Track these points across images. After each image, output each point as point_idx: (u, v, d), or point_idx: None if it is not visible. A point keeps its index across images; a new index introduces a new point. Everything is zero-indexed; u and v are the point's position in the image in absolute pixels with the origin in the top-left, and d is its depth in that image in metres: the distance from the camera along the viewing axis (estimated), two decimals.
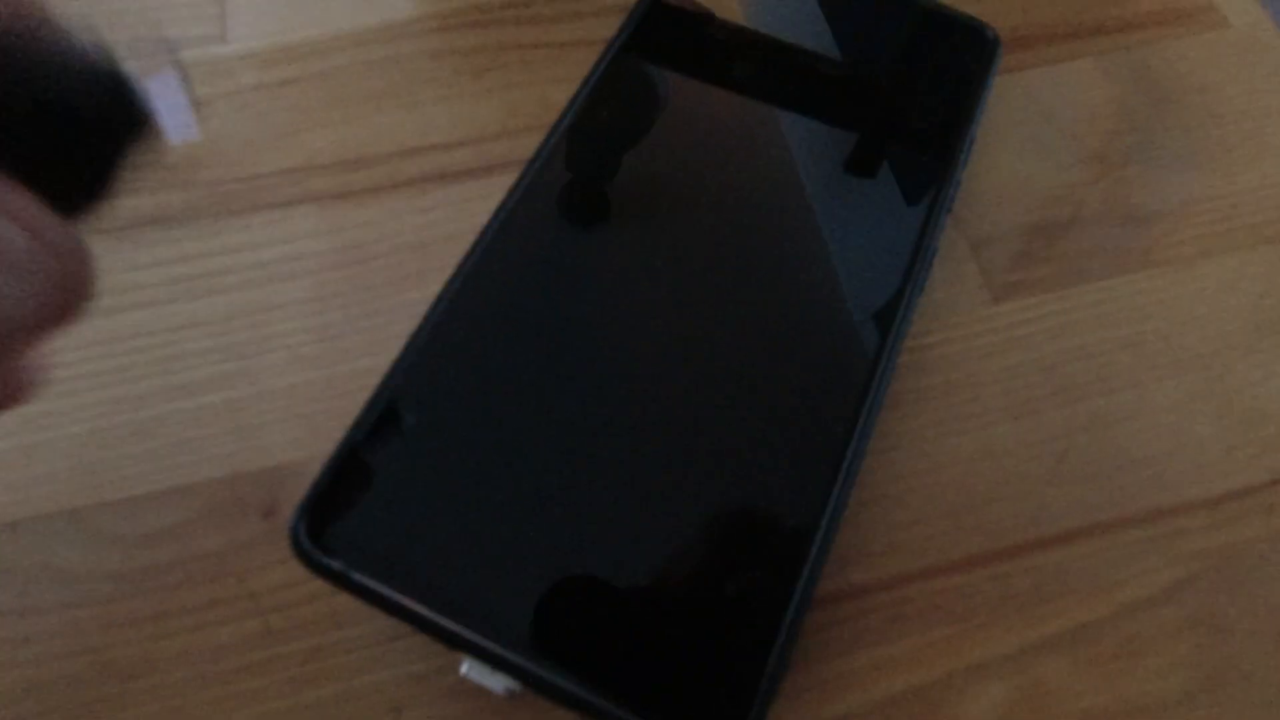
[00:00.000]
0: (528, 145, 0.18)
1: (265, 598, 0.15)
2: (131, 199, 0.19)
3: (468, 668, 0.12)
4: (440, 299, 0.15)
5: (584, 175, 0.17)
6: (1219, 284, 0.18)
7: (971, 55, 0.19)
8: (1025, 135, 0.20)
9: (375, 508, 0.13)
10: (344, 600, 0.15)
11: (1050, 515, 0.16)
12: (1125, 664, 0.15)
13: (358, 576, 0.13)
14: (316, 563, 0.13)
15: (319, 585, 0.15)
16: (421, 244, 0.19)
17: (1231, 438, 0.17)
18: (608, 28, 0.20)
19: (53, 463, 0.16)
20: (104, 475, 0.16)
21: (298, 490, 0.16)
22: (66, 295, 0.09)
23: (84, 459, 0.16)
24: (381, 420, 0.14)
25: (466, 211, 0.19)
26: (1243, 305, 0.18)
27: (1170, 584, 0.15)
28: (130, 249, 0.18)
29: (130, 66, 0.10)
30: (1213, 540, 0.16)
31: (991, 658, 0.15)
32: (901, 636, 0.15)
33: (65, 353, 0.17)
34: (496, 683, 0.12)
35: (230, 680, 0.14)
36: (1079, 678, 0.15)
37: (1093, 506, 0.16)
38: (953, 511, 0.16)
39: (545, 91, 0.20)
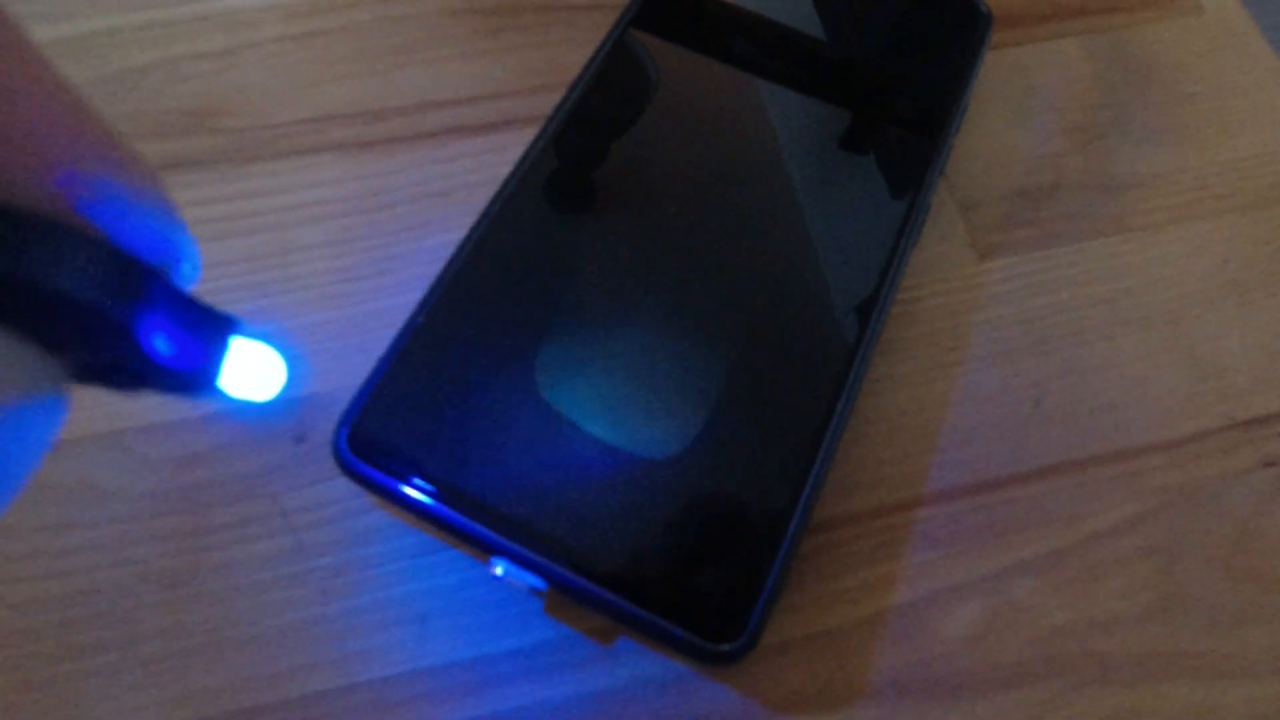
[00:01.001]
0: (542, 103, 0.19)
1: (297, 516, 0.16)
2: (157, 143, 0.20)
3: (503, 570, 0.13)
4: (467, 241, 0.16)
5: (596, 136, 0.18)
6: (1186, 248, 0.20)
7: (967, 29, 0.21)
8: (1012, 108, 0.21)
9: (412, 424, 0.14)
10: (372, 518, 0.16)
11: (1026, 453, 0.17)
12: (1089, 586, 0.16)
13: (398, 486, 0.14)
14: (356, 473, 0.14)
15: (349, 505, 0.16)
16: (440, 193, 0.19)
17: (1192, 386, 0.18)
18: None
19: (86, 389, 0.17)
20: (139, 402, 0.17)
21: (326, 419, 0.17)
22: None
23: None
24: (417, 341, 0.15)
25: (483, 163, 0.20)
26: (1207, 268, 0.20)
27: (1132, 516, 0.17)
28: None
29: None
30: (1172, 478, 0.17)
31: (970, 579, 0.16)
32: (889, 559, 0.16)
33: None
34: (526, 582, 0.13)
35: (266, 590, 0.15)
36: (1048, 598, 0.16)
37: (1065, 446, 0.17)
38: (937, 448, 0.17)
39: (559, 53, 0.21)
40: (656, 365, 0.16)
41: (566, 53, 0.21)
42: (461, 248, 0.16)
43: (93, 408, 0.17)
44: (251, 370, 0.10)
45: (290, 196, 0.19)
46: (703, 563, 0.14)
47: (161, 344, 0.08)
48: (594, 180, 0.18)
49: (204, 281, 0.19)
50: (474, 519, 0.13)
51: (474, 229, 0.16)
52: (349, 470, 0.14)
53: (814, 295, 0.17)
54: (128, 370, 0.09)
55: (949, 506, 0.17)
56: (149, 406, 0.17)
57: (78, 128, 0.08)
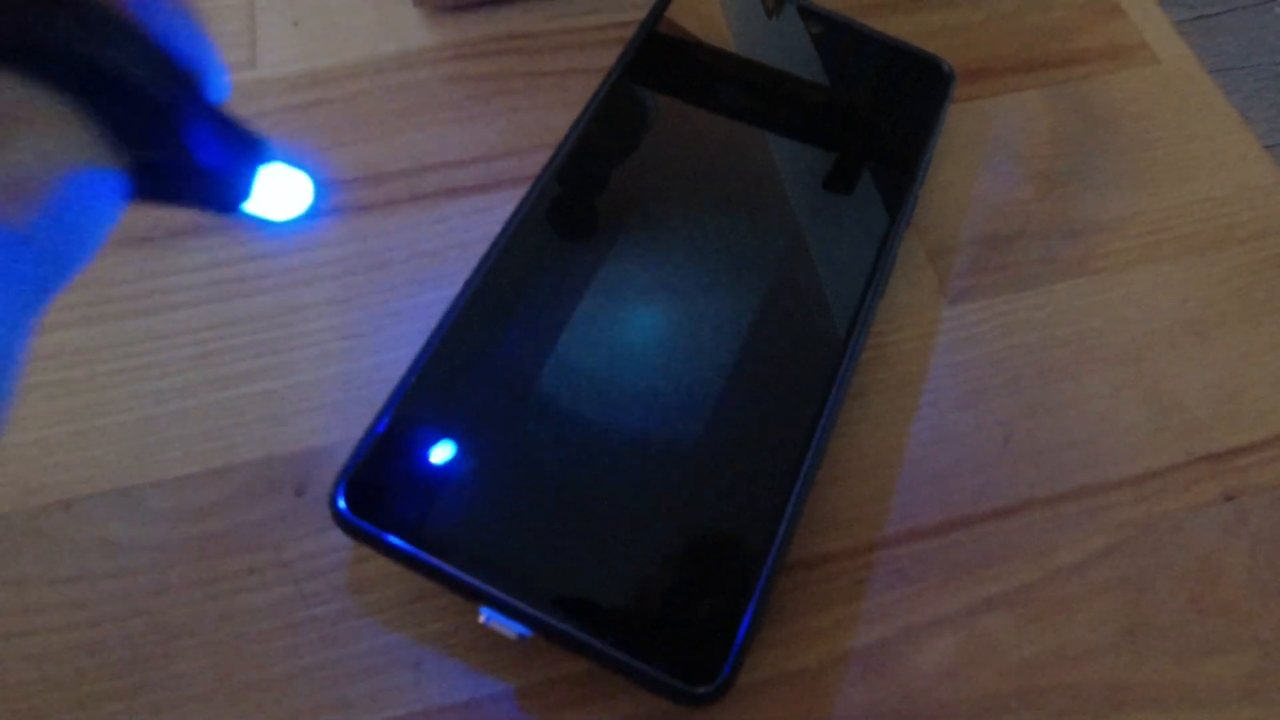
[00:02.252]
0: (533, 163, 0.20)
1: (298, 566, 0.17)
2: (170, 211, 0.21)
3: (487, 617, 0.14)
4: (460, 297, 0.17)
5: (583, 191, 0.19)
6: (1147, 289, 0.21)
7: (929, 86, 0.22)
8: (978, 157, 0.23)
9: (405, 480, 0.15)
10: (370, 568, 0.17)
11: (996, 490, 0.18)
12: (1059, 619, 0.17)
13: (390, 538, 0.14)
14: (353, 527, 0.14)
15: (347, 554, 0.17)
16: (436, 251, 0.21)
17: (1155, 423, 0.19)
18: (606, 57, 0.22)
19: (104, 447, 0.18)
20: (150, 458, 0.18)
21: (326, 471, 0.18)
22: None
23: (132, 444, 0.18)
24: (410, 400, 0.16)
25: (476, 222, 0.21)
26: (1167, 308, 0.20)
27: (1099, 550, 0.18)
28: (172, 256, 0.20)
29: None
30: (1137, 512, 0.18)
31: (943, 614, 0.17)
32: (863, 597, 0.17)
33: (114, 349, 0.19)
34: (511, 630, 0.14)
35: (268, 638, 0.16)
36: (1019, 631, 0.17)
37: (1033, 482, 0.18)
38: (910, 487, 0.18)
39: (549, 115, 0.22)
40: (635, 416, 0.17)
41: (555, 115, 0.23)
42: (452, 307, 0.17)
43: (107, 465, 0.18)
44: (278, 191, 0.11)
45: (293, 258, 0.20)
46: (680, 606, 0.15)
47: (204, 141, 0.09)
48: (582, 233, 0.19)
49: (210, 341, 0.20)
50: (459, 569, 0.14)
51: (464, 289, 0.18)
52: (345, 526, 0.14)
53: (785, 342, 0.18)
54: (169, 172, 0.09)
55: (921, 544, 0.17)
56: (158, 463, 0.18)
57: None
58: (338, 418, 0.18)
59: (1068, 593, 0.17)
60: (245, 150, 0.10)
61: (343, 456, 0.16)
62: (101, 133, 0.09)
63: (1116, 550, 0.17)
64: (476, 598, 0.14)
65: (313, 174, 0.11)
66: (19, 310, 0.08)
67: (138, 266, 0.20)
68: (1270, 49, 0.97)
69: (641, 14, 0.22)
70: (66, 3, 0.08)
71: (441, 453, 0.16)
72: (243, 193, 0.10)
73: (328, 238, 0.20)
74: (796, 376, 0.17)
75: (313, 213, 0.11)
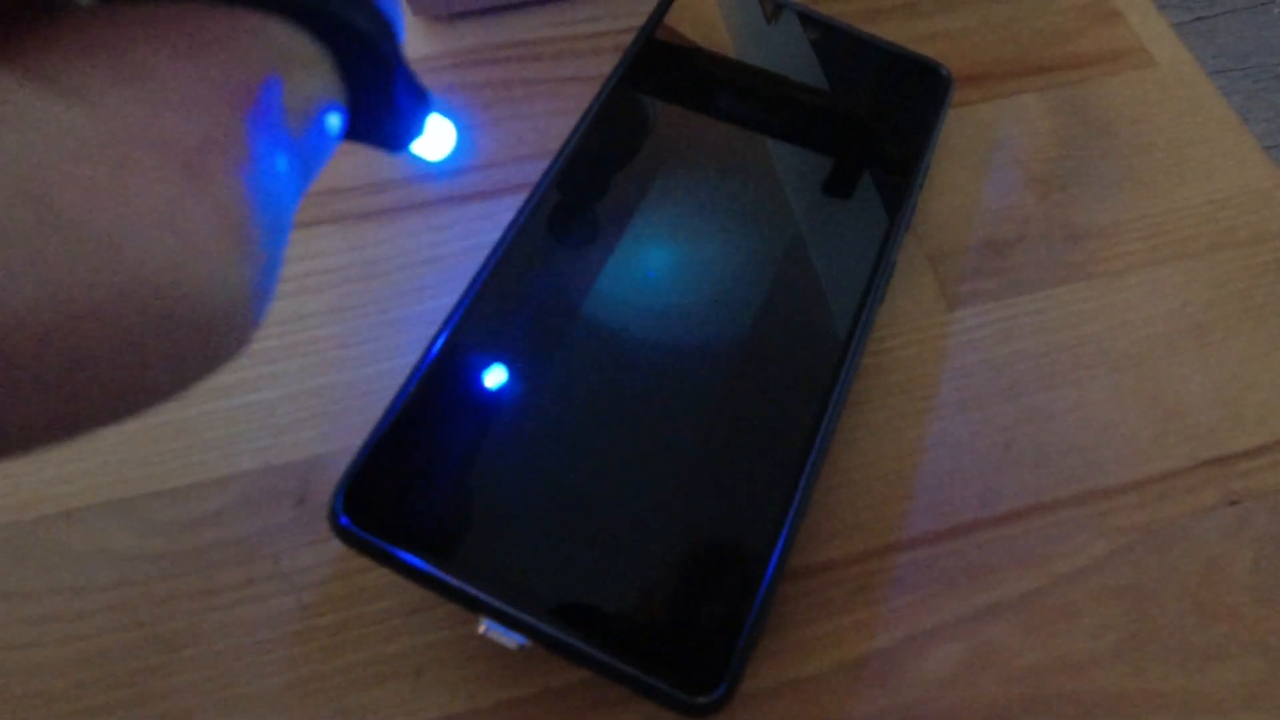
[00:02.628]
0: (532, 171, 0.20)
1: (297, 576, 0.17)
2: None
3: (486, 627, 0.14)
4: (459, 305, 0.17)
5: (582, 197, 0.19)
6: (1147, 293, 0.21)
7: (928, 91, 0.22)
8: (978, 162, 0.23)
9: (403, 489, 0.15)
10: (370, 578, 0.17)
11: (997, 496, 0.18)
12: (1062, 626, 0.17)
13: (389, 548, 0.14)
14: (352, 537, 0.14)
15: (347, 565, 0.17)
16: (435, 259, 0.21)
17: (1157, 428, 0.19)
18: (605, 64, 0.22)
19: (104, 457, 0.18)
20: (150, 468, 0.18)
21: (326, 480, 0.18)
22: None
23: (132, 454, 0.18)
24: (409, 410, 0.16)
25: (475, 230, 0.21)
26: (1167, 311, 0.20)
27: (1102, 556, 0.17)
28: None
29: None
30: (1140, 517, 0.18)
31: (945, 622, 0.17)
32: (865, 605, 0.17)
33: None
34: (511, 640, 0.14)
35: (268, 650, 0.16)
36: (1022, 638, 0.17)
37: (1035, 488, 0.18)
38: (911, 494, 0.18)
39: (547, 122, 0.22)
40: (635, 423, 0.17)
41: (554, 122, 0.23)
42: (450, 315, 0.17)
43: (106, 476, 0.18)
44: (434, 134, 0.13)
45: (295, 267, 0.20)
46: (681, 614, 0.15)
47: (401, 84, 0.11)
48: (581, 239, 0.19)
49: None
50: (459, 579, 0.14)
51: (462, 297, 0.17)
52: (344, 536, 0.14)
53: (786, 348, 0.18)
54: (367, 111, 0.11)
55: (923, 551, 0.17)
56: (158, 473, 0.18)
57: None
58: (337, 427, 0.18)
59: (1070, 599, 0.17)
60: (422, 94, 0.12)
61: (342, 466, 0.16)
62: (339, 75, 0.10)
63: (1119, 556, 0.17)
64: (476, 607, 0.14)
65: (456, 122, 0.13)
66: (287, 202, 0.10)
67: None
68: (1269, 50, 0.97)
69: (640, 21, 0.22)
70: None
71: (440, 462, 0.16)
72: (417, 132, 0.13)
73: (327, 246, 0.21)
74: (797, 383, 0.17)
75: (455, 156, 0.15)
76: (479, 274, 0.18)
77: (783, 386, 0.17)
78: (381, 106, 0.11)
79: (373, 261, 0.20)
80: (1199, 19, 0.99)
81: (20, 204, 0.07)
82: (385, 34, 0.11)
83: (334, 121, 0.11)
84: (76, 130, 0.07)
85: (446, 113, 0.13)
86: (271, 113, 0.09)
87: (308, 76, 0.10)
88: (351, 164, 0.22)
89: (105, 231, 0.07)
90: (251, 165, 0.09)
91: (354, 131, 0.12)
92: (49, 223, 0.07)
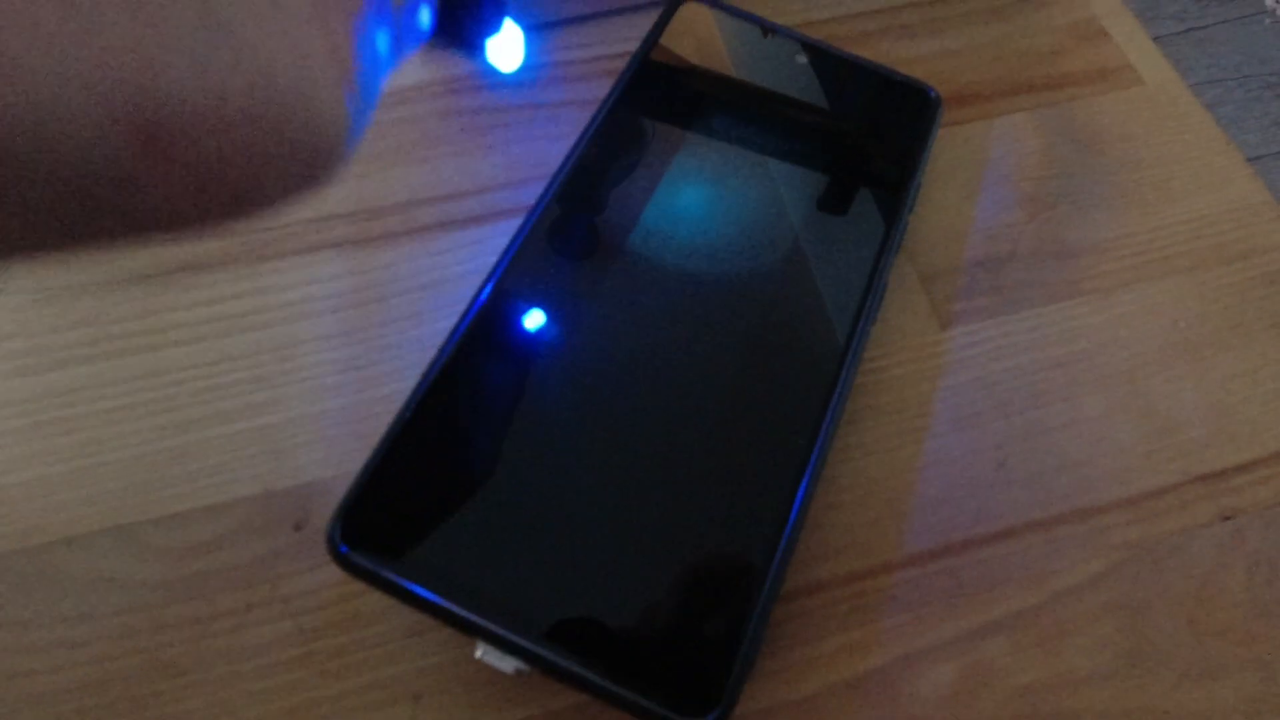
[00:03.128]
0: (528, 195, 0.21)
1: (297, 601, 0.17)
2: (172, 247, 0.21)
3: (482, 651, 0.14)
4: (456, 330, 0.17)
5: (577, 220, 0.20)
6: (1138, 310, 0.21)
7: (917, 113, 0.22)
8: (968, 181, 0.23)
9: (400, 515, 0.15)
10: (367, 602, 0.17)
11: (991, 514, 0.18)
12: (1057, 644, 0.17)
13: (386, 573, 0.14)
14: (351, 563, 0.15)
15: (346, 589, 0.17)
16: (432, 284, 0.21)
17: (1149, 444, 0.19)
18: (599, 89, 0.22)
19: (104, 484, 0.18)
20: (150, 494, 0.18)
21: (325, 505, 0.18)
22: None
23: (132, 480, 0.18)
24: (405, 437, 0.16)
25: (472, 254, 0.21)
26: (1159, 328, 0.21)
27: (1096, 573, 0.18)
28: (172, 292, 0.20)
29: None
30: (1133, 534, 0.18)
31: (941, 641, 0.17)
32: (861, 625, 0.17)
33: (115, 385, 0.19)
34: (507, 664, 0.14)
35: (268, 675, 0.16)
36: (1018, 657, 0.17)
37: (1029, 506, 0.18)
38: (906, 513, 0.18)
39: (543, 147, 0.23)
40: (630, 445, 0.17)
41: (550, 146, 0.23)
42: (447, 340, 0.17)
43: (107, 502, 0.18)
44: (507, 44, 0.14)
45: (294, 293, 0.21)
46: (676, 637, 0.15)
47: None
48: (577, 262, 0.19)
49: (209, 376, 0.20)
50: (456, 604, 0.14)
51: (460, 321, 0.18)
52: (342, 562, 0.15)
53: (779, 369, 0.18)
54: (454, 9, 0.13)
55: (918, 570, 0.17)
56: (158, 499, 0.18)
57: None
58: (336, 452, 0.18)
59: (1066, 617, 0.17)
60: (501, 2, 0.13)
61: (340, 490, 0.16)
62: None
63: (1114, 573, 0.17)
64: (473, 632, 0.14)
65: (527, 32, 0.15)
66: (381, 68, 0.11)
67: (139, 303, 0.20)
68: (1261, 60, 0.98)
69: (632, 46, 0.22)
70: None
71: (437, 486, 0.16)
72: (492, 30, 0.14)
73: (326, 272, 0.21)
74: (791, 403, 0.17)
75: (527, 67, 0.16)
76: (476, 298, 0.18)
77: (777, 407, 0.17)
78: (466, 3, 0.13)
79: (371, 286, 0.21)
80: (1191, 29, 1.00)
81: (189, 8, 0.08)
82: None
83: (425, 12, 0.13)
84: None
85: (518, 20, 0.14)
86: None
87: None
88: (347, 189, 0.22)
89: (254, 40, 0.09)
90: (362, 22, 0.10)
91: (440, 28, 0.13)
92: (210, 23, 0.08)
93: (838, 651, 0.17)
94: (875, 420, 0.19)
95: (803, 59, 0.22)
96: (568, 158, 0.20)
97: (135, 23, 0.08)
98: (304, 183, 0.10)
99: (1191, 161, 0.23)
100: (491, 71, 0.15)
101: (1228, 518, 0.18)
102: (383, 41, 0.11)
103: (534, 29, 0.24)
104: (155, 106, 0.08)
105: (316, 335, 0.20)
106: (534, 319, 0.18)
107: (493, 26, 0.14)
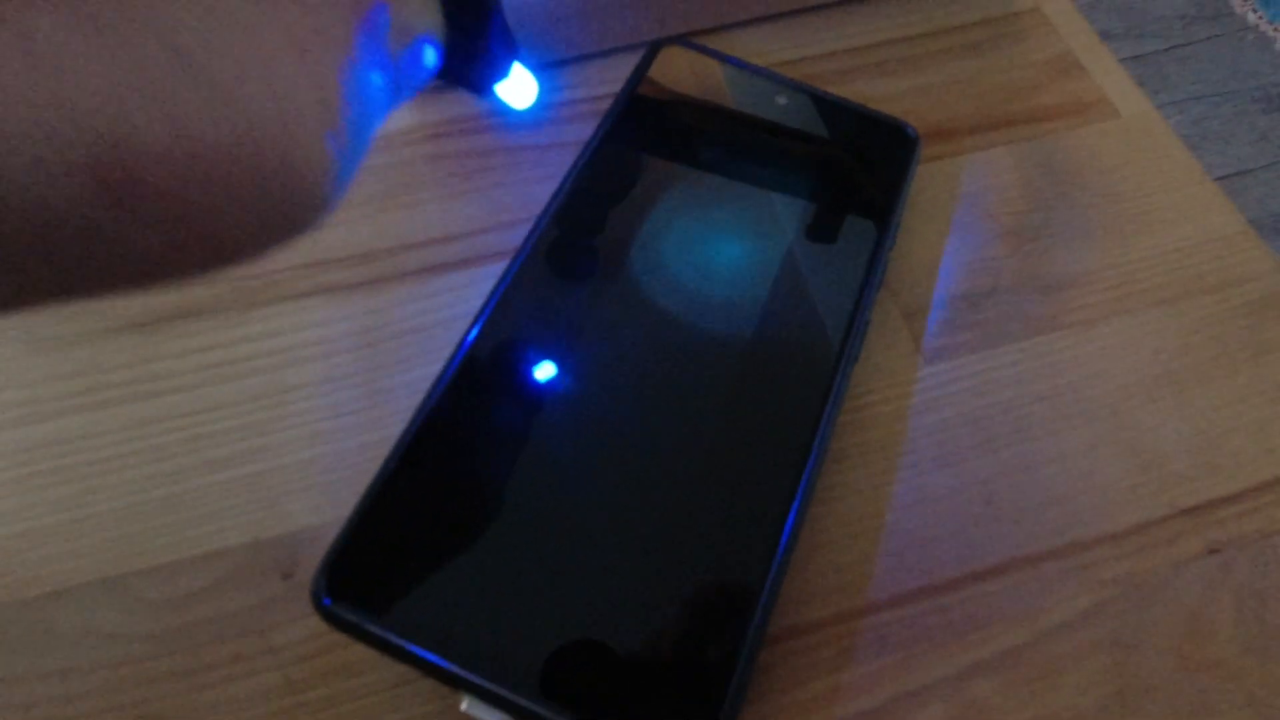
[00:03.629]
0: (515, 237, 0.21)
1: (285, 651, 0.17)
2: (162, 295, 0.21)
3: (468, 705, 0.14)
4: (442, 375, 0.18)
5: (562, 262, 0.20)
6: (1120, 342, 0.21)
7: (895, 150, 0.22)
8: (949, 216, 0.23)
9: (386, 567, 0.15)
10: (356, 652, 0.17)
11: (979, 552, 0.18)
12: (1048, 682, 0.17)
13: (370, 626, 0.14)
14: (335, 617, 0.15)
15: (334, 639, 0.17)
16: (422, 328, 0.21)
17: (1135, 477, 0.19)
18: (583, 130, 0.23)
19: (93, 535, 0.18)
20: (140, 545, 0.18)
21: (315, 553, 0.18)
22: None
23: (122, 531, 0.18)
24: (389, 488, 0.16)
25: (461, 298, 0.21)
26: (1141, 360, 0.21)
27: (1086, 609, 0.18)
28: (162, 340, 0.21)
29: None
30: (1121, 569, 0.18)
31: (931, 681, 0.17)
32: (849, 666, 0.17)
33: (105, 435, 0.19)
34: (493, 717, 0.14)
35: None
36: (1008, 696, 0.17)
37: (1016, 542, 0.18)
38: (893, 552, 0.18)
39: (529, 189, 0.23)
40: (616, 492, 0.17)
41: (536, 188, 0.23)
42: (430, 391, 0.17)
43: (97, 554, 0.18)
44: (518, 83, 0.14)
45: (284, 339, 0.21)
46: (663, 684, 0.15)
47: (499, 28, 0.13)
48: (563, 303, 0.19)
49: (201, 424, 0.20)
50: (439, 657, 0.14)
51: (445, 366, 0.18)
52: (327, 617, 0.15)
53: (762, 410, 0.18)
54: (460, 51, 0.13)
55: (906, 609, 0.17)
56: (148, 549, 0.18)
57: None
58: (326, 499, 0.19)
59: (1055, 655, 0.17)
60: (513, 42, 0.14)
61: (330, 537, 0.16)
62: (442, 14, 0.12)
63: (1102, 609, 0.17)
64: (458, 685, 0.14)
65: (536, 73, 0.15)
66: (380, 113, 0.11)
67: (131, 352, 0.20)
68: (1246, 74, 0.99)
69: (616, 88, 0.23)
70: None
71: (422, 537, 0.16)
72: (501, 76, 0.14)
73: (316, 318, 0.21)
74: (775, 444, 0.18)
75: (538, 107, 0.17)
76: (461, 344, 0.18)
77: (761, 448, 0.18)
78: (475, 47, 0.13)
79: (360, 332, 0.21)
80: (1175, 47, 1.02)
81: (156, 47, 0.08)
82: None
83: (429, 54, 0.12)
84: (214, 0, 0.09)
85: (530, 66, 0.15)
86: (378, 30, 0.11)
87: (414, 10, 0.12)
88: (337, 234, 0.22)
89: (229, 83, 0.08)
90: (352, 65, 0.10)
91: (447, 69, 0.13)
92: (182, 67, 0.08)
93: (826, 694, 0.16)
94: (860, 458, 0.19)
95: (782, 99, 0.23)
96: (552, 200, 0.21)
97: (103, 70, 0.07)
98: (287, 230, 0.10)
99: (1169, 193, 0.23)
100: (504, 109, 0.15)
101: (1215, 551, 0.18)
102: (377, 84, 0.11)
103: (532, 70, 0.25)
104: (123, 156, 0.08)
105: (307, 381, 0.20)
106: (521, 363, 0.18)
107: (502, 70, 0.14)
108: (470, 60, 0.13)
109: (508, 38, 0.13)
